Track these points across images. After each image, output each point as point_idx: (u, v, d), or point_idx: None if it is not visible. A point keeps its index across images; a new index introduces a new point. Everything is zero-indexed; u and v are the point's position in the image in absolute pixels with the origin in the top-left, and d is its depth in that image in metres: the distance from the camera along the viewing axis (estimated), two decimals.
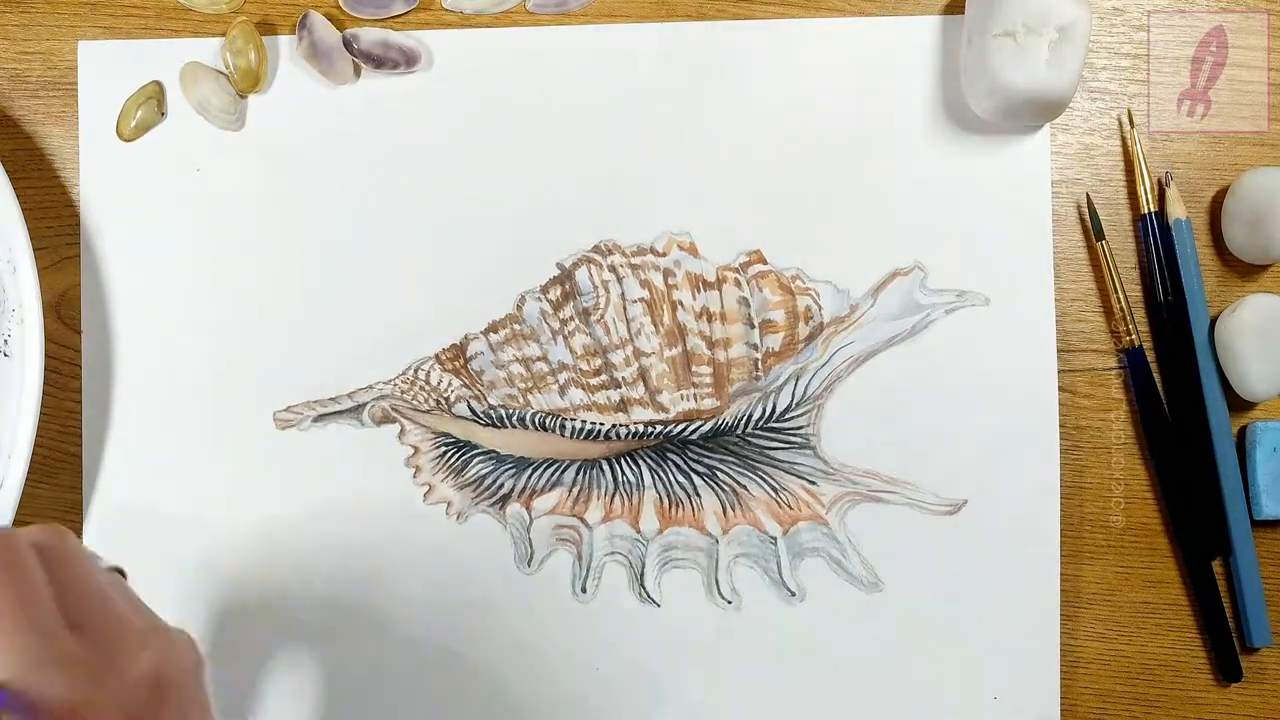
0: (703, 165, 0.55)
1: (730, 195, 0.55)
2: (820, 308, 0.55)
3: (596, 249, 0.55)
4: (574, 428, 0.54)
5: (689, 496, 0.55)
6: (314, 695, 0.55)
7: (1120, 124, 0.55)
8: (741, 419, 0.55)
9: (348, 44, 0.54)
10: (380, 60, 0.54)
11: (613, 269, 0.55)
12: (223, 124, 0.55)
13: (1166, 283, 0.54)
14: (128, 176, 0.55)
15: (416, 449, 0.55)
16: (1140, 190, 0.54)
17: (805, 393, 0.54)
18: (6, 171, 0.52)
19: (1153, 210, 0.54)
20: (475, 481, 0.55)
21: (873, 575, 0.54)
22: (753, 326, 0.54)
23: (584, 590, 0.54)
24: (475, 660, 0.55)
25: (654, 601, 0.54)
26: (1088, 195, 0.55)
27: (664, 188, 0.55)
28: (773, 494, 0.55)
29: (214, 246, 0.55)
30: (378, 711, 0.55)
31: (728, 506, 0.55)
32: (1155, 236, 0.54)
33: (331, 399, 0.55)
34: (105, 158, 0.55)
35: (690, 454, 0.55)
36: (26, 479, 0.52)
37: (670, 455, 0.55)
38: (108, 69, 0.55)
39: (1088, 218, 0.55)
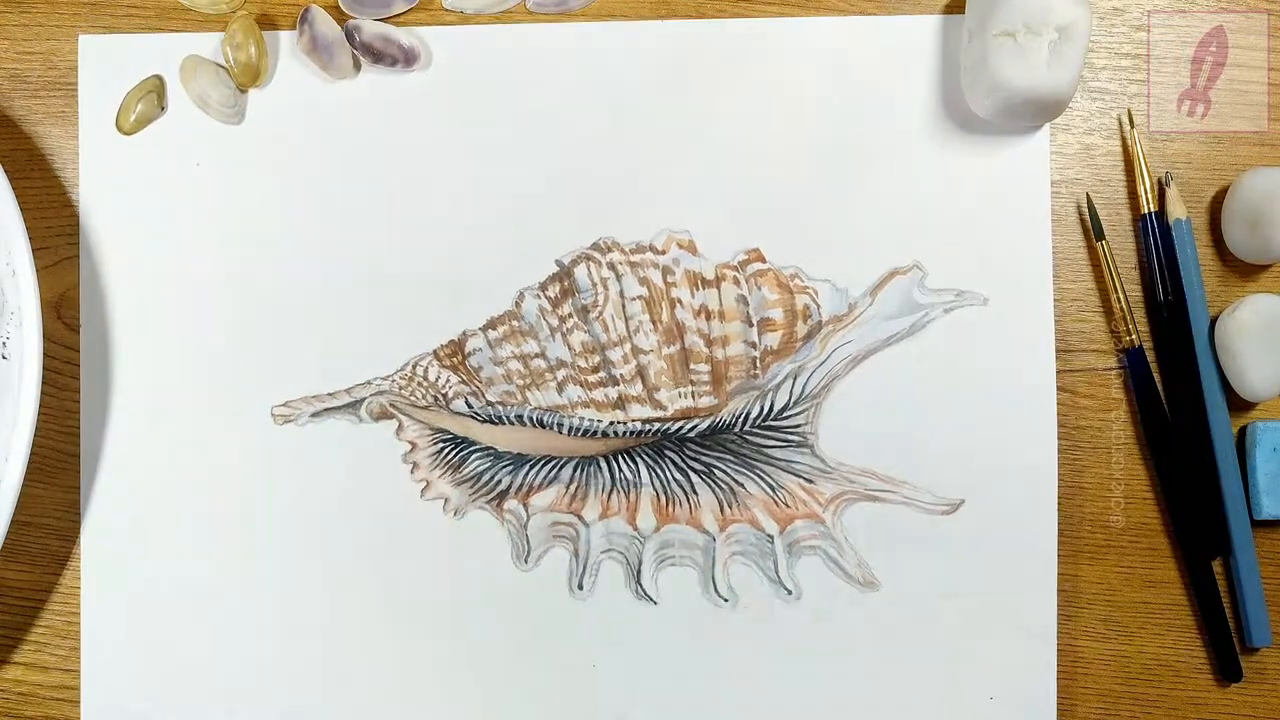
0: (702, 163, 0.55)
1: (729, 193, 0.55)
2: (819, 306, 0.55)
3: (595, 246, 0.55)
4: (572, 425, 0.54)
5: (686, 494, 0.55)
6: (311, 689, 0.55)
7: (1120, 124, 0.55)
8: (739, 417, 0.55)
9: (350, 36, 0.54)
10: (380, 55, 0.54)
11: (611, 266, 0.55)
12: (223, 118, 0.55)
13: (1166, 283, 0.54)
14: (127, 171, 0.55)
15: (414, 445, 0.55)
16: (1140, 190, 0.54)
17: (803, 391, 0.54)
18: (6, 172, 0.52)
19: (1153, 210, 0.54)
20: (473, 478, 0.55)
21: (869, 574, 0.54)
22: (751, 324, 0.54)
23: (581, 587, 0.54)
24: (472, 656, 0.54)
25: (651, 599, 0.54)
26: (1088, 195, 0.55)
27: (663, 186, 0.55)
28: (770, 492, 0.54)
29: (213, 242, 0.55)
30: (374, 706, 0.55)
31: (725, 504, 0.55)
32: (1155, 236, 0.54)
33: (329, 394, 0.55)
34: (105, 152, 0.55)
35: (688, 451, 0.55)
36: (25, 478, 0.52)
37: (668, 453, 0.55)
38: (108, 63, 0.55)
39: (1088, 218, 0.55)
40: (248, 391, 0.55)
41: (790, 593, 0.54)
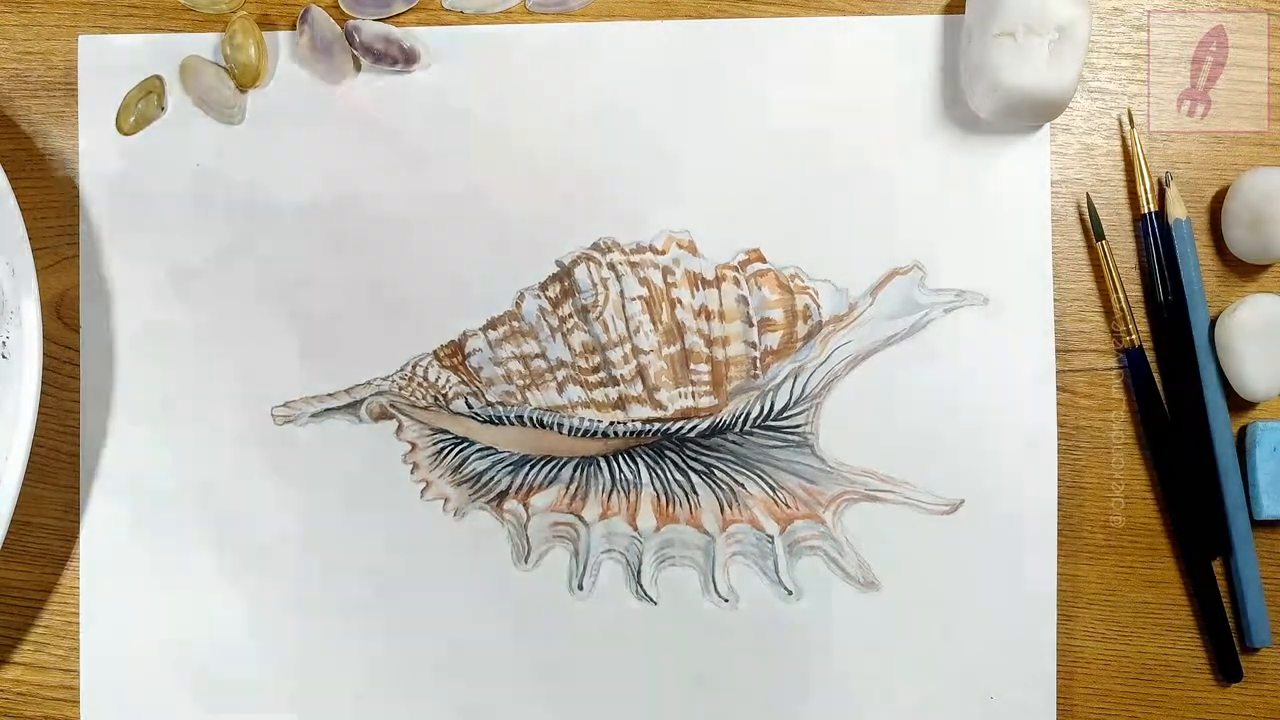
0: (702, 164, 0.55)
1: (729, 194, 0.55)
2: (819, 306, 0.54)
3: (596, 246, 0.55)
4: (572, 425, 0.54)
5: (687, 494, 0.55)
6: (311, 690, 0.55)
7: (1120, 124, 0.55)
8: (739, 417, 0.55)
9: (350, 36, 0.54)
10: (380, 55, 0.54)
11: (612, 267, 0.55)
12: (223, 118, 0.55)
13: (1166, 283, 0.54)
14: (127, 171, 0.55)
15: (414, 445, 0.55)
16: (1140, 190, 0.54)
17: (803, 391, 0.54)
18: (6, 172, 0.52)
19: (1153, 210, 0.54)
20: (473, 478, 0.55)
21: (869, 574, 0.54)
22: (751, 325, 0.54)
23: (581, 587, 0.54)
24: (471, 656, 0.54)
25: (651, 599, 0.54)
26: (1088, 195, 0.55)
27: (663, 186, 0.55)
28: (770, 492, 0.54)
29: (212, 242, 0.55)
30: (374, 706, 0.55)
31: (725, 504, 0.55)
32: (1155, 236, 0.54)
33: (329, 394, 0.55)
34: (105, 153, 0.55)
35: (688, 452, 0.55)
36: (25, 479, 0.52)
37: (668, 453, 0.55)
38: (108, 63, 0.55)
39: (1088, 218, 0.55)
40: (248, 391, 0.55)
41: (790, 593, 0.54)
